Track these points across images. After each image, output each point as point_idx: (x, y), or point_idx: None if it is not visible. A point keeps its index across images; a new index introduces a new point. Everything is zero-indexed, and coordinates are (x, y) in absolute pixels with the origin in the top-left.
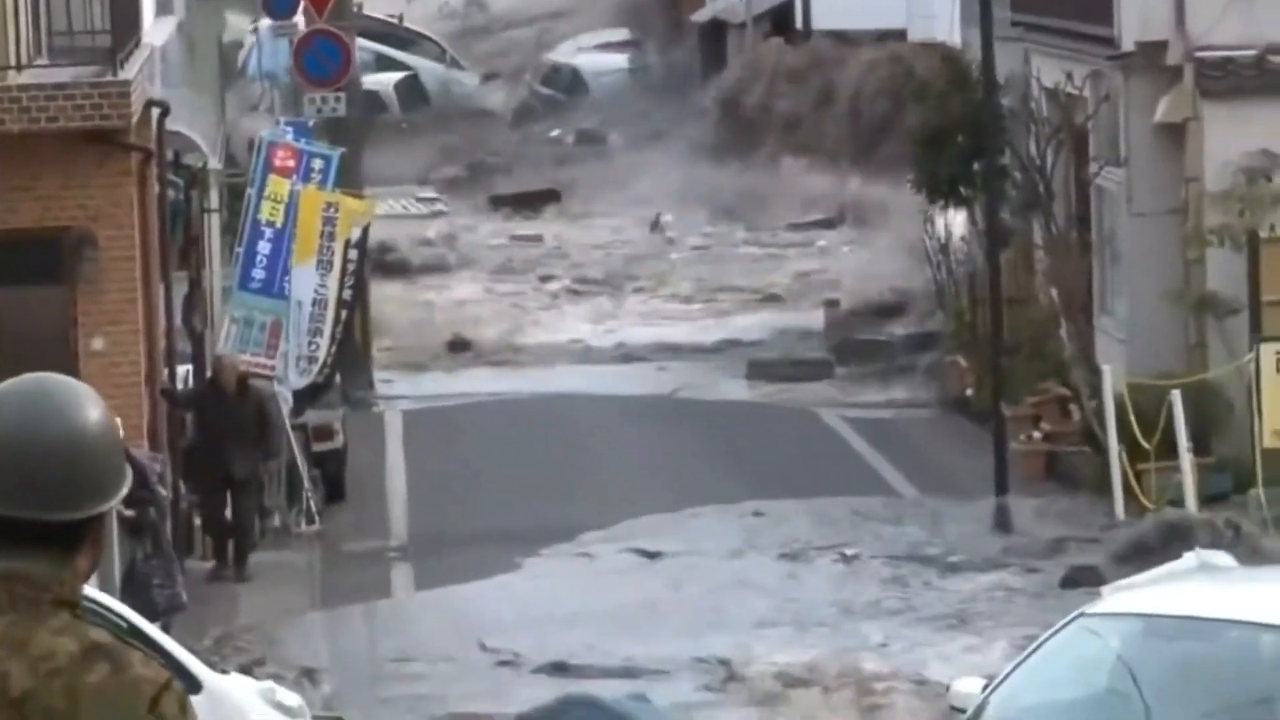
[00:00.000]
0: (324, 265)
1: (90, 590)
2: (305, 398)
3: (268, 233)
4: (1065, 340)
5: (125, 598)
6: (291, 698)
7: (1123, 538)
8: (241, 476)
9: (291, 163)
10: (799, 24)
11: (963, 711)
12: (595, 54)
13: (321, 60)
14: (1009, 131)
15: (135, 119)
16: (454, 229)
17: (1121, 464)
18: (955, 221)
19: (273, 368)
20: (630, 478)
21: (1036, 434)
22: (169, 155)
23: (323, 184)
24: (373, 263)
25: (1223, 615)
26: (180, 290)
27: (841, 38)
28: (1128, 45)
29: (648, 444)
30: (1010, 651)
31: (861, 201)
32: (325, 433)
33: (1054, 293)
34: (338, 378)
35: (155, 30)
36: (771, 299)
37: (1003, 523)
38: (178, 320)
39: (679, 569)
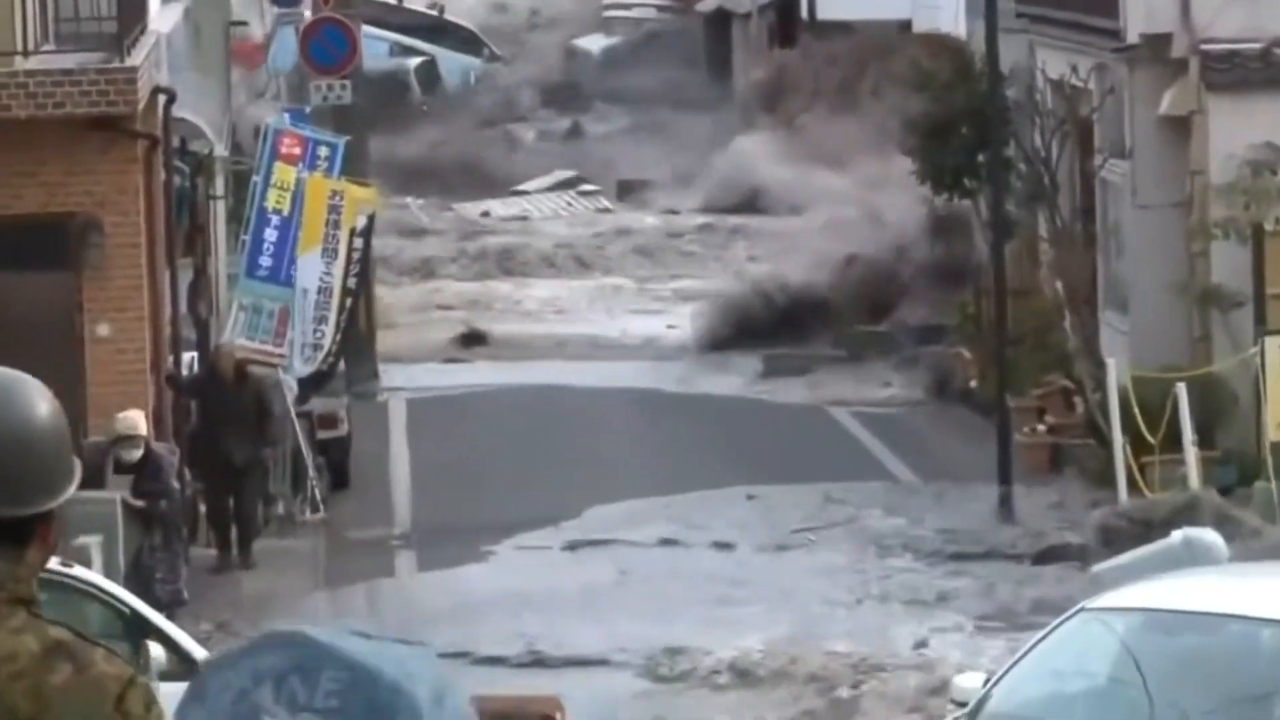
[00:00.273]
0: (329, 253)
1: (97, 578)
2: (310, 385)
3: (274, 220)
4: (1069, 333)
5: (128, 587)
6: None
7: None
8: (242, 464)
9: (297, 150)
10: (804, 14)
11: (964, 705)
12: (606, 39)
13: (328, 48)
14: (1014, 123)
15: (141, 105)
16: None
17: (1126, 457)
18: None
19: (282, 355)
20: (631, 464)
21: (1041, 426)
22: (175, 142)
23: (328, 172)
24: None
25: (1225, 610)
26: (186, 277)
27: (846, 28)
28: (1132, 37)
29: (651, 434)
30: (1005, 641)
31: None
32: (330, 420)
33: (1058, 285)
34: (342, 365)
35: (161, 17)
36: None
37: (1006, 513)
38: (183, 307)
39: (671, 555)
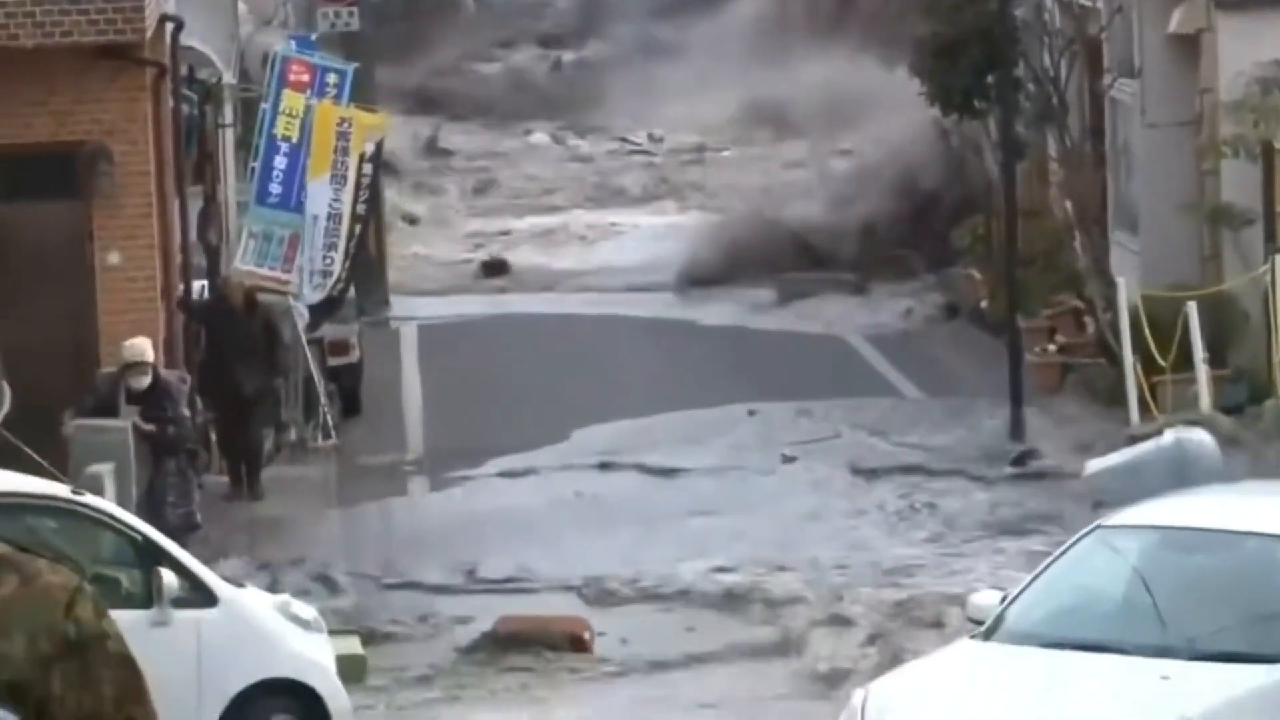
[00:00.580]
0: (338, 180)
1: (110, 506)
2: (321, 312)
3: (283, 148)
4: (1080, 253)
5: (141, 513)
6: (307, 611)
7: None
8: (251, 394)
9: (306, 77)
10: None
11: (980, 624)
12: None
13: None
14: (1023, 43)
15: (149, 34)
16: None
17: (1137, 376)
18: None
19: (290, 280)
20: (643, 385)
21: (1051, 346)
22: (183, 70)
23: (337, 99)
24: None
25: (1240, 527)
26: (195, 205)
27: None
28: None
29: (662, 358)
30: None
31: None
32: (341, 347)
33: (1068, 205)
34: (352, 292)
35: None
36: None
37: (1017, 432)
38: (193, 235)
39: (679, 482)
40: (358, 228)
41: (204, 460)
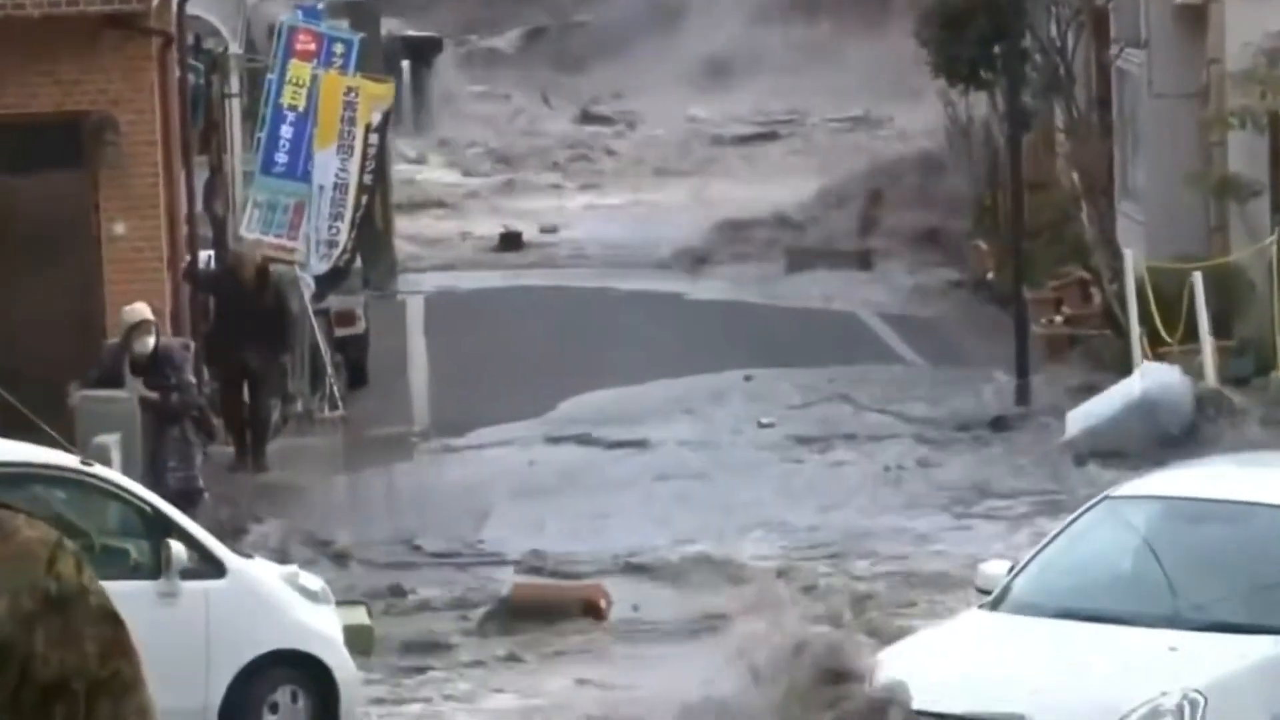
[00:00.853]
0: (345, 150)
1: (117, 476)
2: (327, 283)
3: (290, 117)
4: (1086, 224)
5: (145, 481)
6: (315, 581)
7: None
8: (258, 368)
9: (312, 47)
10: None
11: (988, 593)
12: None
13: None
14: (1029, 14)
15: (155, 3)
16: None
17: (1143, 346)
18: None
19: (295, 248)
20: (651, 354)
21: (1058, 317)
22: (189, 40)
23: (344, 69)
24: None
25: (1248, 498)
26: (201, 175)
27: None
28: None
29: (669, 329)
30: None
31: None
32: (347, 318)
33: (1075, 176)
34: (358, 262)
35: None
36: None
37: (1022, 401)
38: (199, 205)
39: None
40: (364, 198)
41: (215, 428)
